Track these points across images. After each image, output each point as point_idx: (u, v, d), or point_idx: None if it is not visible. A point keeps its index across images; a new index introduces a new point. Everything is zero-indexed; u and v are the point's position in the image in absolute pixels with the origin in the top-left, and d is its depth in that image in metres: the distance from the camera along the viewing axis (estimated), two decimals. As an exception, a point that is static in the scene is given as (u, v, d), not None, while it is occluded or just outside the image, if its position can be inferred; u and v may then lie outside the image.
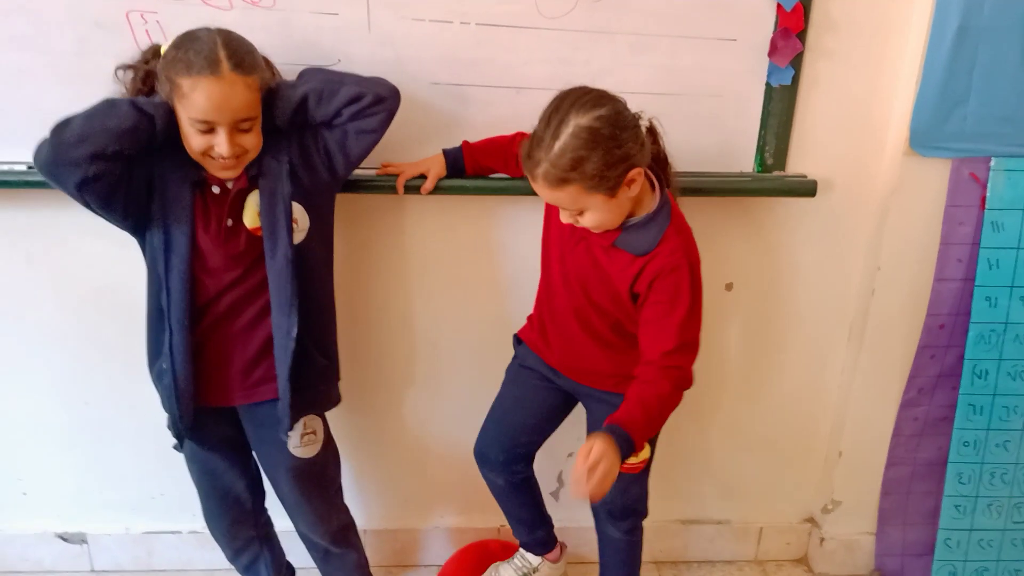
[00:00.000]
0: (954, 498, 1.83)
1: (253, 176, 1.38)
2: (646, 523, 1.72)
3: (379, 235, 1.72)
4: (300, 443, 1.52)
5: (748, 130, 1.65)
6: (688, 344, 1.38)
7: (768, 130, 1.64)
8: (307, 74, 1.42)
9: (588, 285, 1.46)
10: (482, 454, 1.71)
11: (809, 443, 1.99)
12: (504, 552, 1.88)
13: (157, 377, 1.49)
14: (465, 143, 1.59)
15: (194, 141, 1.31)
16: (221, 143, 1.29)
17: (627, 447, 1.27)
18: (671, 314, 1.36)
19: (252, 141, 1.33)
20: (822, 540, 2.02)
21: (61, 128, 1.26)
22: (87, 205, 1.33)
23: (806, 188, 1.66)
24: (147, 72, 1.35)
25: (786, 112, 1.63)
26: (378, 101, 1.38)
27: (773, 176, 1.67)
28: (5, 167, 1.55)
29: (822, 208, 1.72)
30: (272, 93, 1.36)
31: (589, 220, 1.35)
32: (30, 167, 1.49)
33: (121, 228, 1.41)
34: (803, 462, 2.00)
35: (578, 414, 1.68)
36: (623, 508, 1.64)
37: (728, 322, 1.84)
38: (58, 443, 1.87)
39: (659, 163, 1.44)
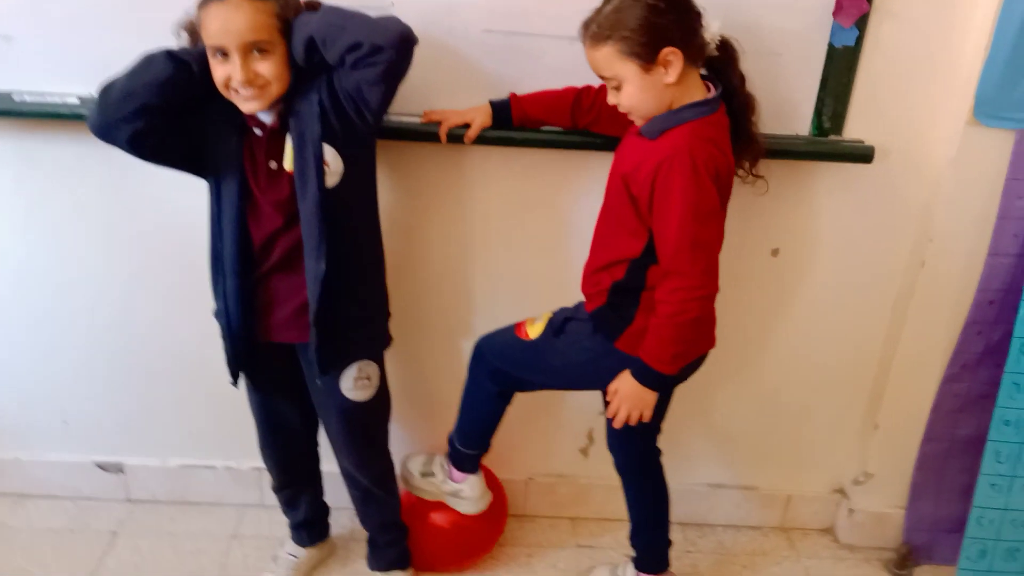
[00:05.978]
0: (990, 476, 1.80)
1: (286, 116, 1.37)
2: (673, 485, 1.70)
3: (433, 185, 1.70)
4: (353, 387, 1.54)
5: (806, 92, 1.60)
6: (690, 246, 1.32)
7: (827, 92, 1.59)
8: (322, 12, 1.33)
9: (610, 191, 1.48)
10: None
11: (844, 414, 1.96)
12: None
13: (215, 317, 1.51)
14: (513, 95, 1.56)
15: (216, 73, 1.32)
16: (235, 68, 1.29)
17: (644, 374, 1.42)
18: (668, 210, 1.32)
19: (271, 70, 1.31)
20: (850, 511, 2.01)
21: (106, 90, 1.31)
22: (143, 158, 1.37)
23: (862, 154, 1.62)
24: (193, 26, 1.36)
25: (847, 74, 1.58)
26: (375, 51, 1.26)
27: (829, 140, 1.63)
28: (56, 99, 1.55)
29: (877, 175, 1.68)
30: (292, 28, 1.32)
31: (625, 97, 1.35)
32: (82, 98, 1.50)
33: (188, 173, 1.43)
34: (837, 432, 1.99)
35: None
36: None
37: (772, 287, 1.81)
38: (100, 376, 1.90)
39: (733, 81, 1.42)
